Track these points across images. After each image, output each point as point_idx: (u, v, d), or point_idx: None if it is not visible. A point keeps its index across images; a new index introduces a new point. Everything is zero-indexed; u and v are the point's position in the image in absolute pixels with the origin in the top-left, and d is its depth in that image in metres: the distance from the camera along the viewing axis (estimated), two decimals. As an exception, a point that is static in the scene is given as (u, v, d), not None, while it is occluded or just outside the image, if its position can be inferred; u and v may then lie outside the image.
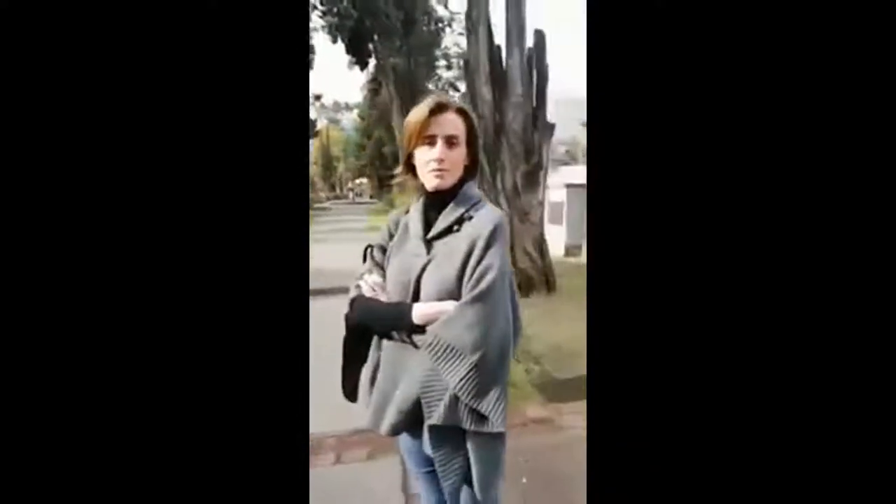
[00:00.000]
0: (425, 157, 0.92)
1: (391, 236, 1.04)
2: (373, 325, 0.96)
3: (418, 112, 0.92)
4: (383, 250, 1.03)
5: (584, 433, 2.19)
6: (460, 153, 0.94)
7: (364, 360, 1.01)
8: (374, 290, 0.96)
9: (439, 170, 0.91)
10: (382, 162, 28.74)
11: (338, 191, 46.33)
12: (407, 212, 1.04)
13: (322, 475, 1.87)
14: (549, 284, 4.96)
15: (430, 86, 22.02)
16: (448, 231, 0.93)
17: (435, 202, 0.96)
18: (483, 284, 0.83)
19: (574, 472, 1.86)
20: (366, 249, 1.06)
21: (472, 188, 0.98)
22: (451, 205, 0.94)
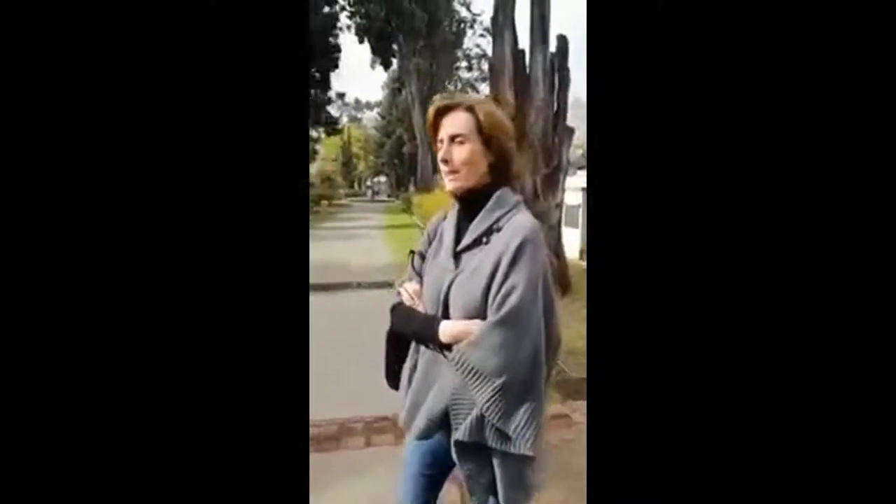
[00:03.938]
0: (438, 160, 0.92)
1: (430, 243, 1.02)
2: (407, 335, 0.98)
3: (427, 116, 0.93)
4: (423, 257, 1.02)
5: (596, 429, 2.27)
6: (470, 151, 0.89)
7: (403, 360, 1.02)
8: (412, 298, 0.96)
9: (448, 171, 0.90)
10: (401, 160, 28.94)
11: (357, 188, 46.82)
12: (445, 217, 1.02)
13: (352, 458, 2.00)
14: (564, 286, 5.02)
15: (450, 86, 22.15)
16: (477, 243, 0.89)
17: (468, 209, 0.93)
18: (507, 307, 0.80)
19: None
20: (409, 255, 1.07)
21: (507, 194, 0.93)
22: (482, 213, 0.90)
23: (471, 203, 0.93)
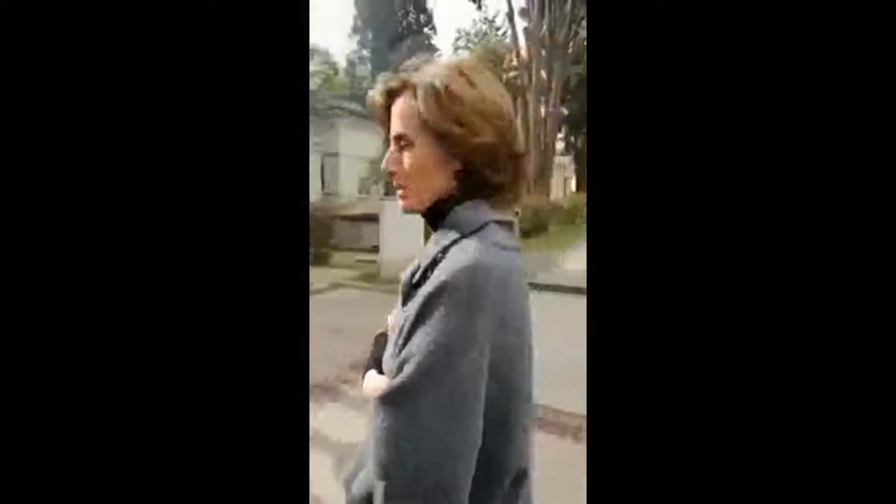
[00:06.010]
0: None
1: None
2: None
3: (374, 102, 0.64)
4: None
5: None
6: (416, 156, 0.60)
7: None
8: (391, 331, 0.72)
9: (396, 185, 0.63)
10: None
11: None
12: None
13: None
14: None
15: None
16: (423, 277, 0.59)
17: (435, 230, 0.66)
18: (399, 380, 0.52)
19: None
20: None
21: (469, 211, 0.60)
22: (433, 238, 0.62)
23: (437, 223, 0.64)
